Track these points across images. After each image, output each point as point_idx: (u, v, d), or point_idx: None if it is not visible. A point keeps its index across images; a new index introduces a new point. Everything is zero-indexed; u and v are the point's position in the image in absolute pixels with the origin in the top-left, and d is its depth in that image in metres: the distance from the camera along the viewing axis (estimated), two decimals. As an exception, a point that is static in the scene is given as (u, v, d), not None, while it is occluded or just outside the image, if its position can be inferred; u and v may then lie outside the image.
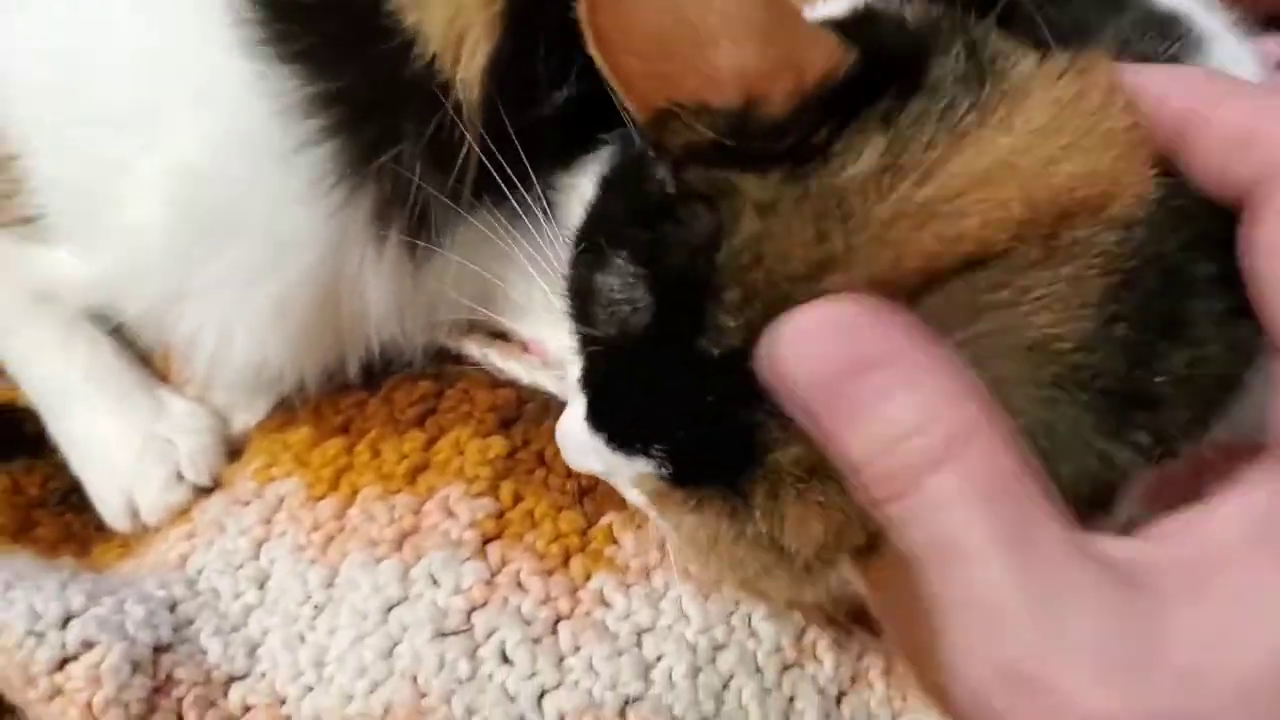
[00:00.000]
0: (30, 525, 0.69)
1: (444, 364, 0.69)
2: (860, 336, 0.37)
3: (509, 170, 0.60)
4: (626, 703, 0.55)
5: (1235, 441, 0.40)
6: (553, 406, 0.65)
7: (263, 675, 0.57)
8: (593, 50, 0.44)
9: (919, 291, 0.40)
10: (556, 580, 0.58)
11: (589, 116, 0.60)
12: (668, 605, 0.58)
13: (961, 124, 0.41)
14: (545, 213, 0.62)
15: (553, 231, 0.62)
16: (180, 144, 0.60)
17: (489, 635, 0.56)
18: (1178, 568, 0.35)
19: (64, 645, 0.53)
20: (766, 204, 0.41)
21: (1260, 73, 0.55)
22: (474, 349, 0.69)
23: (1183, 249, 0.40)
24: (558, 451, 0.61)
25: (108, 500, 0.68)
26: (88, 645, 0.53)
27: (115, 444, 0.68)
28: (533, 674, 0.55)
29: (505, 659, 0.56)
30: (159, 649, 0.55)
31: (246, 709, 0.55)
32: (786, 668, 0.58)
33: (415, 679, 0.55)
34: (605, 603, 0.58)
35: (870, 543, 0.41)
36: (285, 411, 0.68)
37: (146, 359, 0.72)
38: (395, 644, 0.56)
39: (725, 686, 0.57)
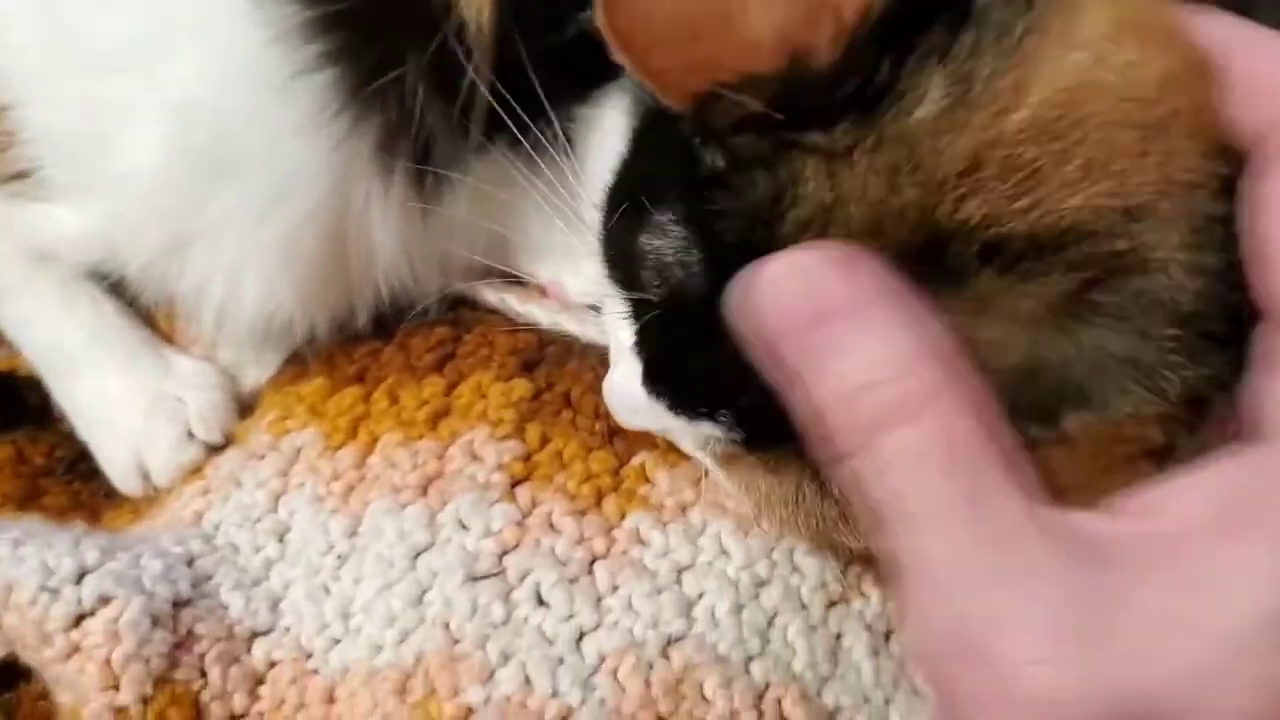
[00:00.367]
0: (38, 494, 0.67)
1: (459, 310, 0.66)
2: (827, 286, 0.37)
3: (524, 101, 0.58)
4: (669, 642, 0.53)
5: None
6: (575, 349, 0.63)
7: (287, 629, 0.54)
8: (616, 53, 0.42)
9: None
10: (590, 520, 0.56)
11: None
12: (707, 542, 0.56)
13: (1022, 47, 0.39)
14: (563, 147, 0.60)
15: (571, 167, 0.60)
16: (175, 81, 0.58)
17: (523, 578, 0.54)
18: (1139, 545, 0.34)
19: (80, 601, 0.51)
20: (836, 158, 0.40)
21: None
22: (490, 294, 0.66)
23: None
24: (584, 392, 0.60)
25: (116, 463, 0.66)
26: (104, 600, 0.51)
27: (123, 405, 0.66)
28: (570, 615, 0.53)
29: (541, 601, 0.53)
30: (178, 604, 0.53)
31: (272, 664, 0.53)
32: (832, 604, 0.56)
33: (447, 625, 0.53)
34: (642, 541, 0.55)
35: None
36: (297, 365, 0.66)
37: (150, 320, 0.70)
38: (425, 591, 0.54)
39: (770, 624, 0.54)
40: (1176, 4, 0.42)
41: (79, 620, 0.51)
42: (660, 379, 0.47)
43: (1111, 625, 0.33)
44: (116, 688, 0.50)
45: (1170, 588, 0.33)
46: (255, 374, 0.68)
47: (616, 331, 0.51)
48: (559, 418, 0.60)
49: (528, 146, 0.59)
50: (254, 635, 0.54)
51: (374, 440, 0.60)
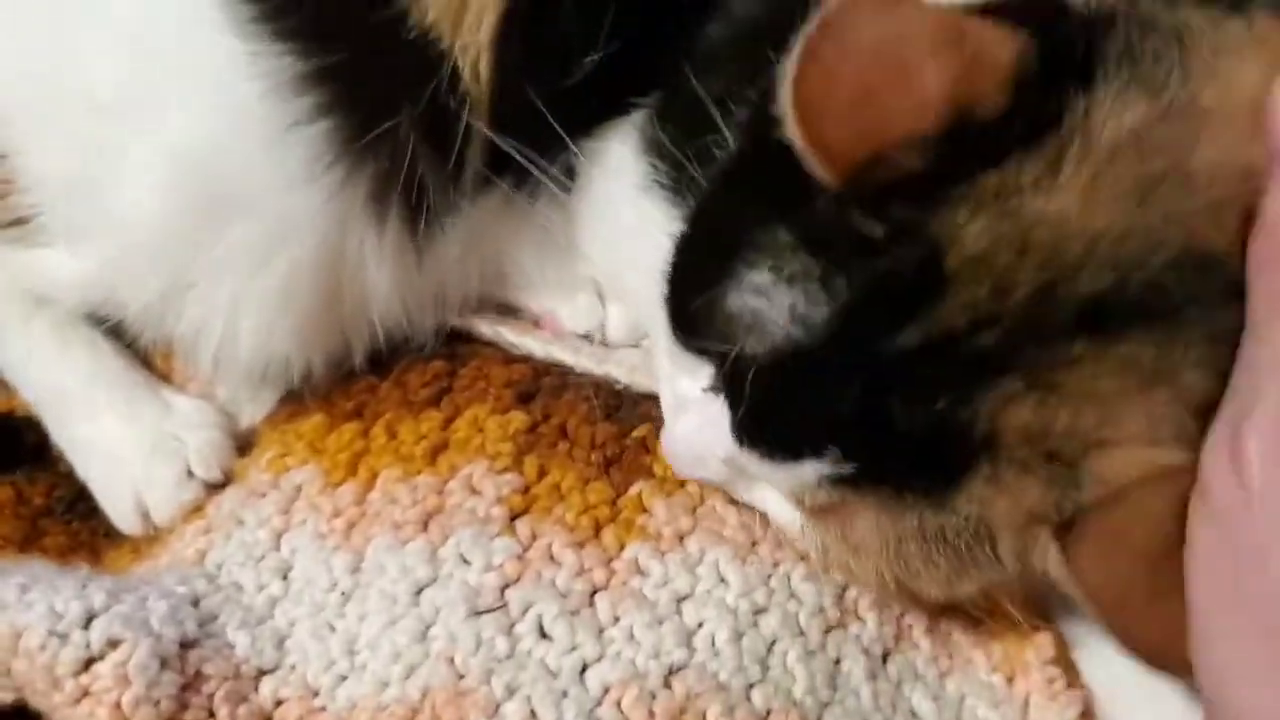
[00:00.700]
0: (38, 535, 0.67)
1: (454, 344, 0.67)
2: None
3: (525, 140, 0.59)
4: (671, 671, 0.53)
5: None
6: (570, 379, 0.64)
7: (293, 667, 0.55)
8: (792, 125, 0.43)
9: None
10: (590, 551, 0.57)
11: (618, 80, 0.58)
12: (705, 570, 0.57)
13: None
14: (563, 182, 0.61)
15: (571, 200, 0.61)
16: (173, 129, 0.59)
17: (525, 610, 0.54)
18: None
19: (88, 645, 0.51)
20: (1008, 192, 0.42)
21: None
22: (485, 327, 0.67)
23: None
24: (580, 423, 0.60)
25: (116, 503, 0.66)
26: (113, 644, 0.51)
27: (122, 445, 0.66)
28: (573, 647, 0.53)
29: (544, 634, 0.54)
30: (185, 645, 0.53)
31: (279, 702, 0.54)
32: (830, 629, 0.57)
33: (452, 660, 0.53)
34: (641, 571, 0.56)
35: (1069, 520, 0.44)
36: (294, 402, 0.66)
37: (147, 360, 0.71)
38: (429, 626, 0.54)
39: (769, 650, 0.55)
40: None
41: (88, 664, 0.51)
42: (756, 425, 0.48)
43: None
44: (127, 731, 0.50)
45: None
46: (252, 412, 0.68)
47: (675, 383, 0.53)
48: (556, 449, 0.61)
49: (528, 184, 0.60)
50: (261, 674, 0.54)
51: (373, 476, 0.60)
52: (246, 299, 0.60)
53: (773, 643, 0.55)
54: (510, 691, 0.52)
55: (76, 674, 0.51)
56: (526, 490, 0.59)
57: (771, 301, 0.45)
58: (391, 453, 0.61)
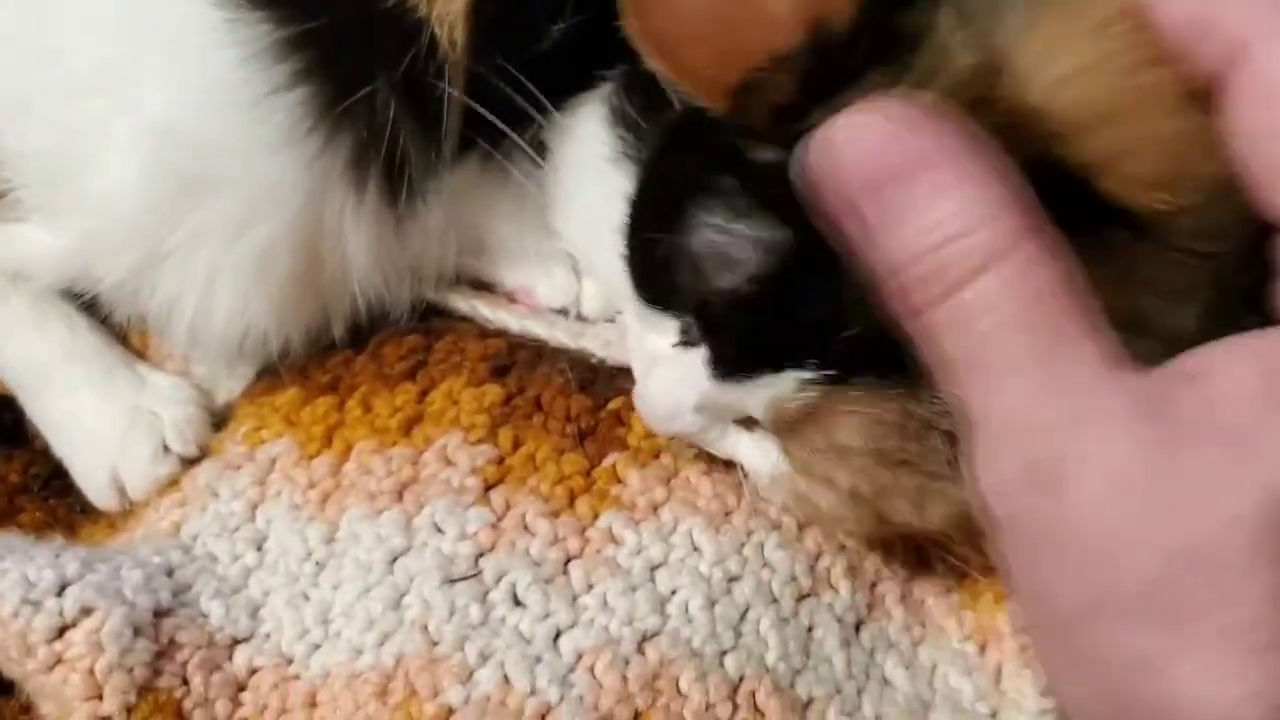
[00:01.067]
0: (14, 512, 0.67)
1: (430, 319, 0.67)
2: (910, 138, 0.37)
3: (499, 112, 0.59)
4: (644, 638, 0.54)
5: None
6: (545, 353, 0.64)
7: (267, 636, 0.55)
8: (650, 57, 0.43)
9: None
10: (564, 521, 0.57)
11: (586, 52, 0.58)
12: (679, 539, 0.57)
13: None
14: (536, 156, 0.61)
15: (545, 175, 0.61)
16: (150, 101, 0.59)
17: (499, 579, 0.55)
18: (1195, 403, 0.36)
19: (62, 612, 0.51)
20: None
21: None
22: (461, 302, 0.67)
23: None
24: (555, 396, 0.61)
25: (92, 479, 0.66)
26: (86, 611, 0.51)
27: (98, 421, 0.66)
28: (547, 615, 0.54)
29: (517, 602, 0.54)
30: (159, 613, 0.53)
31: (253, 670, 0.54)
32: (803, 597, 0.57)
33: (426, 628, 0.53)
34: (615, 540, 0.56)
35: None
36: (270, 376, 0.66)
37: (122, 337, 0.71)
38: (403, 594, 0.55)
39: (743, 618, 0.55)
40: None
41: (61, 632, 0.51)
42: (732, 355, 0.49)
43: (1170, 479, 0.35)
44: (100, 698, 0.50)
45: (1221, 448, 0.35)
46: (229, 387, 0.68)
47: (645, 341, 0.53)
48: (531, 421, 0.61)
49: (500, 157, 0.61)
50: (235, 642, 0.54)
51: (349, 448, 0.60)
52: (223, 270, 0.60)
53: (746, 610, 0.56)
54: (484, 658, 0.52)
55: (50, 641, 0.51)
56: (501, 461, 0.59)
57: (732, 236, 0.45)
58: (367, 425, 0.61)
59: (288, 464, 0.60)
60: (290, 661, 0.54)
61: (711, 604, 0.55)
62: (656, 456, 0.60)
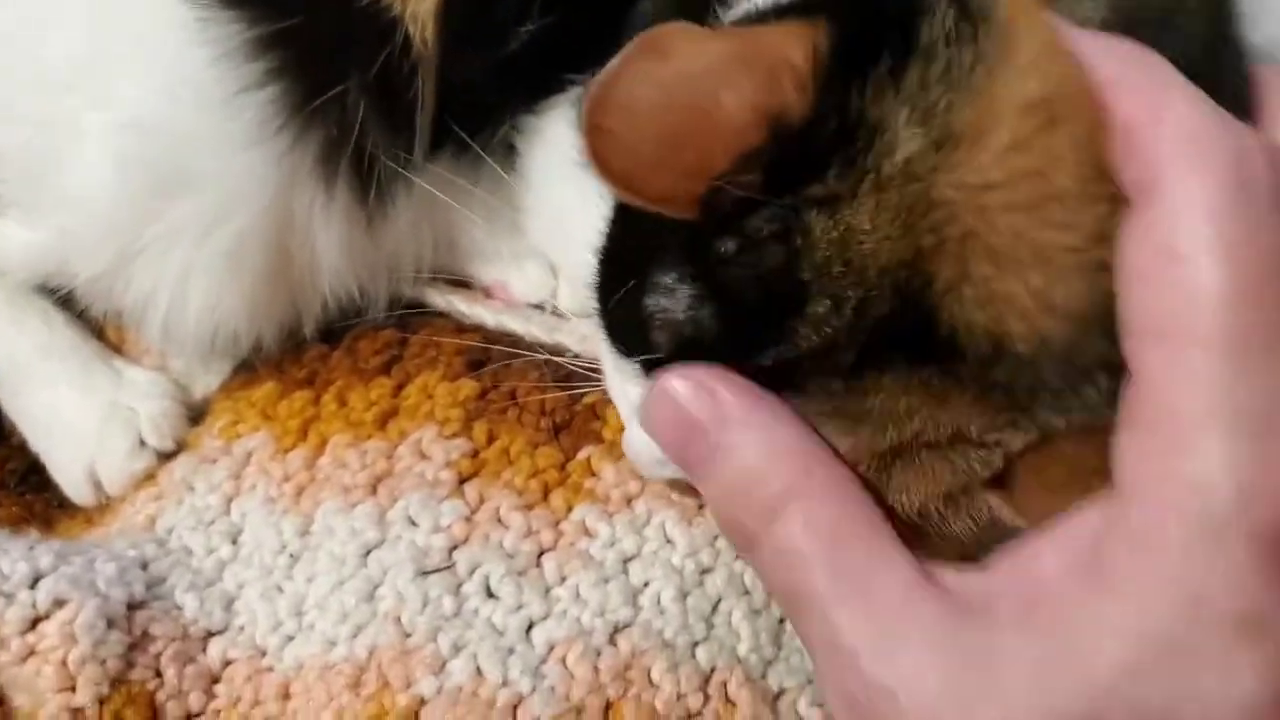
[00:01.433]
0: (-9, 507, 0.67)
1: (406, 314, 0.67)
2: (688, 405, 0.40)
3: (469, 113, 0.59)
4: (616, 629, 0.54)
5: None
6: (521, 346, 0.64)
7: (241, 628, 0.55)
8: (619, 195, 0.42)
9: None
10: (537, 514, 0.57)
11: (555, 54, 0.58)
12: (651, 532, 0.57)
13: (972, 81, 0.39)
14: (506, 155, 0.62)
15: (515, 175, 0.62)
16: (124, 98, 0.59)
17: (472, 571, 0.55)
18: (1009, 598, 0.37)
19: (35, 604, 0.52)
20: (839, 201, 0.40)
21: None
22: (436, 297, 0.68)
23: None
24: (530, 390, 0.61)
25: (69, 473, 0.66)
26: (59, 603, 0.52)
27: (75, 416, 0.66)
28: (519, 606, 0.54)
29: (490, 594, 0.55)
30: (133, 606, 0.54)
31: (227, 663, 0.54)
32: (775, 589, 0.57)
33: (399, 619, 0.54)
34: (588, 533, 0.57)
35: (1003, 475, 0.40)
36: (247, 371, 0.67)
37: (99, 332, 0.71)
38: (376, 586, 0.55)
39: (714, 609, 0.56)
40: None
41: (34, 623, 0.51)
42: None
43: (989, 679, 0.35)
44: (73, 689, 0.51)
45: (1039, 640, 0.35)
46: (206, 381, 0.68)
47: (626, 390, 0.53)
48: (505, 415, 0.61)
49: (471, 156, 0.61)
50: (209, 635, 0.55)
51: (324, 442, 0.61)
52: (196, 265, 0.61)
53: (718, 602, 0.56)
54: (456, 649, 0.53)
55: (23, 633, 0.51)
56: (475, 455, 0.59)
57: (674, 302, 0.43)
58: (342, 419, 0.62)
59: (263, 458, 0.61)
60: (264, 654, 0.54)
61: (684, 596, 0.55)
62: (630, 450, 0.60)
